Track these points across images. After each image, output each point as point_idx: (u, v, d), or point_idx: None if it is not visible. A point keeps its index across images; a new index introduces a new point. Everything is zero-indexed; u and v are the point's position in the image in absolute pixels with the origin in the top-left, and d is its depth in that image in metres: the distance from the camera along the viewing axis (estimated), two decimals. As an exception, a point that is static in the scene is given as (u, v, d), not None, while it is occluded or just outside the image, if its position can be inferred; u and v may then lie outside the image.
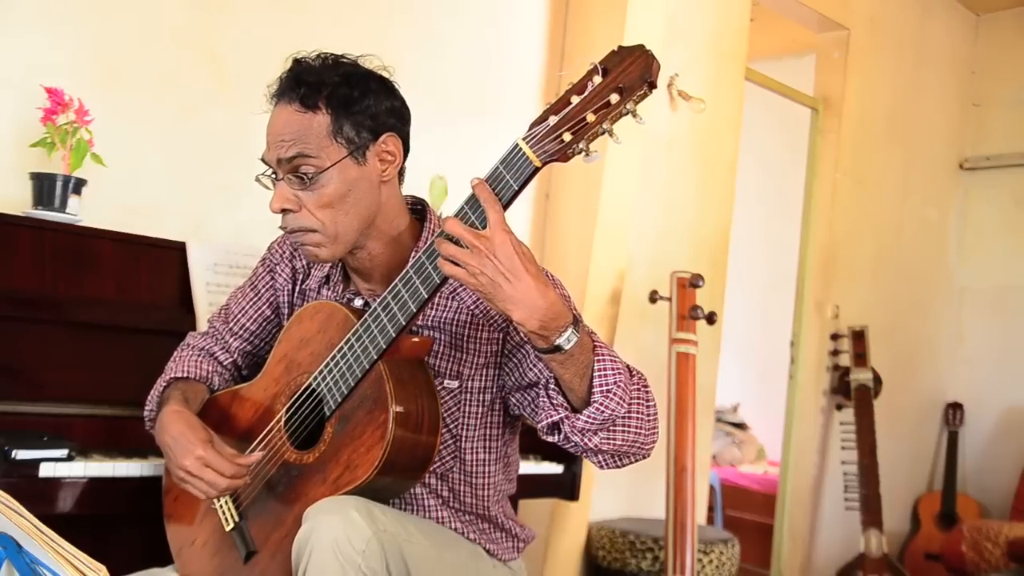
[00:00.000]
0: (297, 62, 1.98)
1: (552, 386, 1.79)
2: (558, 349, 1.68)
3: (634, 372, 1.82)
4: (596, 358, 1.73)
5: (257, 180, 2.00)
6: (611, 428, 1.76)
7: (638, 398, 1.80)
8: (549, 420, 1.80)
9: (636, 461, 1.88)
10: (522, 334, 1.79)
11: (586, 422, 1.74)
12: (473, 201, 1.69)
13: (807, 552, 5.54)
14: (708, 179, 4.53)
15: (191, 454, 1.91)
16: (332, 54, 2.00)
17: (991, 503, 6.11)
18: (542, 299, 1.64)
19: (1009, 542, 5.05)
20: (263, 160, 1.98)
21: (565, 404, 1.78)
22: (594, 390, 1.73)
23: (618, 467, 1.87)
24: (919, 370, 6.25)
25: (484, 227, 1.66)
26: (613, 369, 1.74)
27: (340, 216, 1.93)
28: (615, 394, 1.73)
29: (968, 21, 6.49)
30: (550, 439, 1.83)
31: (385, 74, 2.02)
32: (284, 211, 1.95)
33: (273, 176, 1.97)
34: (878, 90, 5.76)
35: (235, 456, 1.93)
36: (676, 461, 3.80)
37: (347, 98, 1.93)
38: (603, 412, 1.73)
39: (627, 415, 1.77)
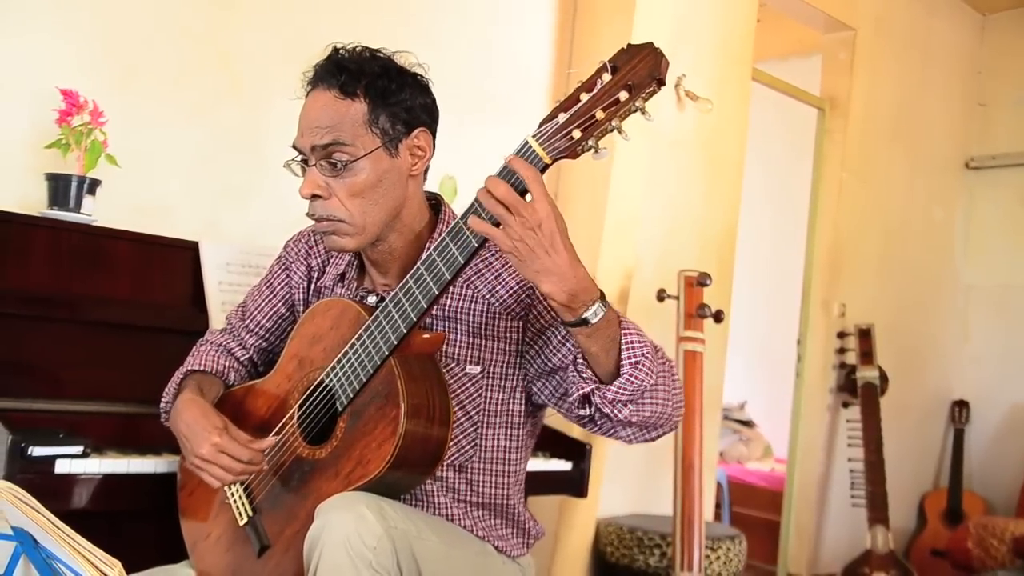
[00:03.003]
0: (336, 50, 1.99)
1: (580, 361, 1.81)
2: (584, 322, 1.71)
3: (658, 347, 1.84)
4: (623, 331, 1.76)
5: (286, 166, 2.01)
6: (640, 400, 1.79)
7: (664, 371, 1.82)
8: (580, 392, 1.81)
9: (664, 433, 1.90)
10: (548, 308, 1.81)
11: (617, 393, 1.76)
12: (507, 172, 1.69)
13: (813, 548, 5.55)
14: (715, 179, 4.54)
15: (206, 441, 1.93)
16: (370, 47, 2.01)
17: (997, 500, 6.12)
18: (572, 273, 1.67)
19: (1015, 539, 5.05)
20: (295, 147, 1.98)
21: (593, 377, 1.80)
22: (623, 362, 1.75)
23: (648, 440, 1.89)
24: (925, 368, 6.26)
25: (522, 195, 1.67)
26: (640, 342, 1.76)
27: (369, 206, 1.95)
28: (643, 366, 1.75)
29: (974, 21, 6.50)
30: (581, 413, 1.85)
31: (420, 71, 2.04)
32: (313, 197, 1.96)
33: (303, 162, 1.98)
34: (884, 90, 5.77)
35: (249, 441, 1.95)
36: (683, 458, 3.82)
37: (385, 89, 1.95)
38: (633, 383, 1.75)
39: (655, 387, 1.79)
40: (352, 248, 2.00)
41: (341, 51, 1.99)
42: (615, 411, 1.79)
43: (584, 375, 1.81)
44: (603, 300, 1.72)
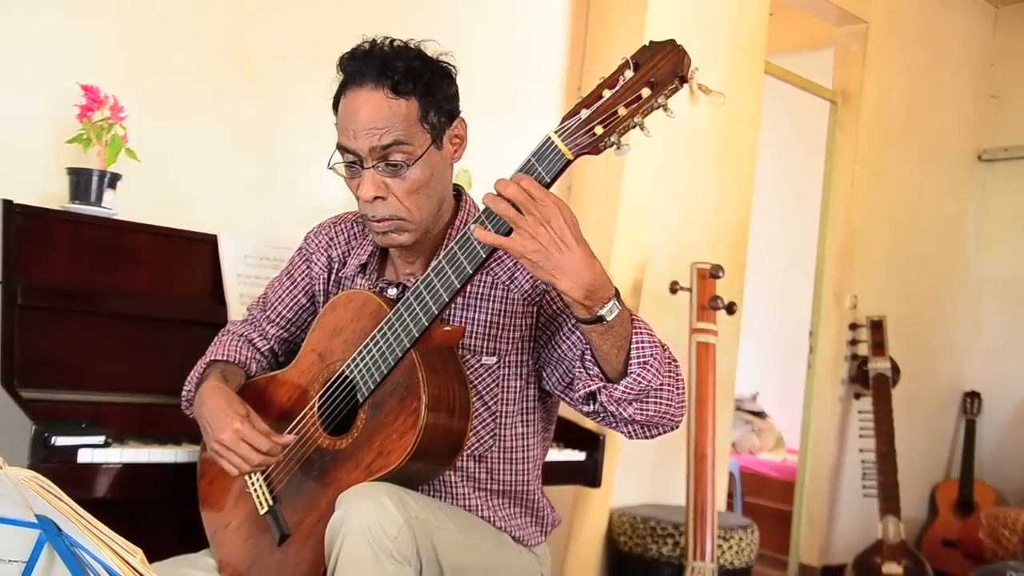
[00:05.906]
0: (372, 46, 1.96)
1: (588, 357, 1.82)
2: (600, 320, 1.71)
3: (665, 346, 1.85)
4: (634, 330, 1.77)
5: (331, 169, 2.00)
6: (645, 399, 1.80)
7: (670, 372, 1.83)
8: (586, 390, 1.82)
9: (665, 432, 1.90)
10: (565, 303, 1.80)
11: (623, 392, 1.77)
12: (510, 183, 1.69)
13: (825, 538, 5.56)
14: (728, 171, 4.55)
15: (228, 427, 1.93)
16: (400, 39, 1.99)
17: (1008, 491, 6.10)
18: (588, 270, 1.66)
19: (1026, 529, 5.07)
20: (343, 148, 1.96)
21: (600, 375, 1.81)
22: (631, 361, 1.76)
23: (648, 437, 1.89)
24: (937, 359, 6.25)
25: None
26: (650, 342, 1.78)
27: (423, 201, 1.96)
28: (651, 366, 1.76)
29: (987, 13, 6.47)
30: (585, 409, 1.87)
31: (447, 60, 2.03)
32: (374, 199, 1.95)
33: (353, 164, 1.97)
34: (896, 83, 5.76)
35: (270, 433, 1.95)
36: (696, 449, 3.84)
37: (432, 84, 1.94)
38: (640, 383, 1.76)
39: (660, 387, 1.80)
40: (407, 242, 2.01)
41: (379, 46, 1.97)
42: (620, 409, 1.80)
43: (591, 372, 1.82)
44: (618, 297, 1.73)
